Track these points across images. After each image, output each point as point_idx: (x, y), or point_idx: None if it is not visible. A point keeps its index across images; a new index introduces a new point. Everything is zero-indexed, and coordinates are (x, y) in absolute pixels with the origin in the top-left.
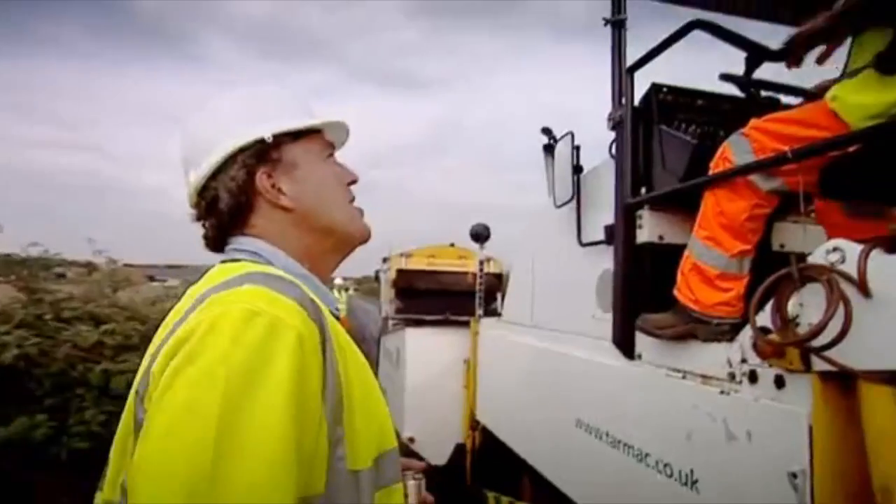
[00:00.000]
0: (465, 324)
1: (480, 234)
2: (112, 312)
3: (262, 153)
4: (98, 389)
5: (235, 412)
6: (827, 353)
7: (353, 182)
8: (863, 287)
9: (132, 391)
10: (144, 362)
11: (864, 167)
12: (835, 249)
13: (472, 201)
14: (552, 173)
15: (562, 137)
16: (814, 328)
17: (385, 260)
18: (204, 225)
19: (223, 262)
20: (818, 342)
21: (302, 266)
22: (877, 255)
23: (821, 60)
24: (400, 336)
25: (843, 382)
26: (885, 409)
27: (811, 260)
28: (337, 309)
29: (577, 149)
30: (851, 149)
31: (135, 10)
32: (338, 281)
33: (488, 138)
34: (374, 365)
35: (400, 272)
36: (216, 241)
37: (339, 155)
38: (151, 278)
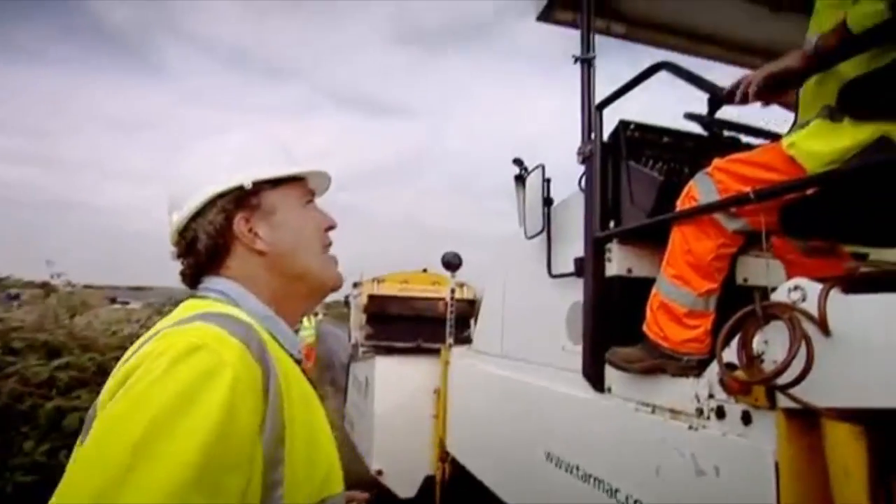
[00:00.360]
0: (437, 352)
1: (451, 263)
2: (67, 341)
3: (241, 199)
4: (48, 426)
5: (156, 433)
6: (791, 391)
7: (331, 228)
8: (823, 326)
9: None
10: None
11: (820, 208)
12: (796, 288)
13: (446, 226)
14: (523, 204)
15: (533, 169)
16: (778, 366)
17: (356, 285)
18: (182, 263)
19: (191, 297)
20: (782, 380)
21: (269, 308)
22: (835, 295)
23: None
24: (370, 364)
25: (807, 420)
26: (847, 446)
27: (774, 298)
28: (299, 352)
29: (547, 181)
30: (809, 191)
31: (100, 17)
32: None
33: (462, 165)
34: (343, 392)
35: (371, 297)
36: (192, 279)
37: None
38: (113, 300)
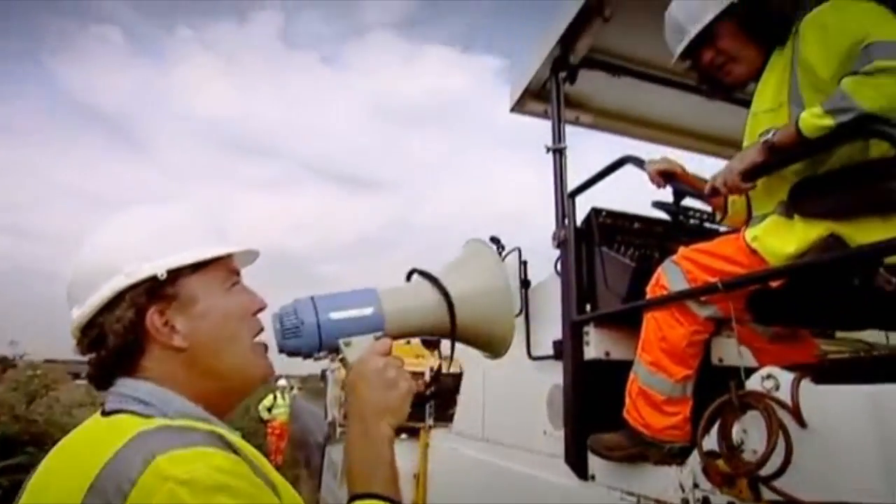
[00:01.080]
0: (417, 432)
1: (430, 341)
2: (21, 433)
3: (154, 290)
4: None
5: None
6: (773, 483)
7: (260, 310)
8: (798, 417)
9: None
10: None
11: (784, 298)
12: (769, 377)
13: None
14: None
15: (509, 252)
16: (758, 458)
17: (334, 358)
18: (89, 362)
19: (104, 413)
20: (764, 471)
21: (198, 407)
22: (806, 385)
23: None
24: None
25: None
26: None
27: (749, 386)
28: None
29: (524, 263)
30: (774, 282)
31: (81, 96)
32: (281, 382)
33: (441, 238)
34: (318, 475)
35: None
36: (101, 381)
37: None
38: (76, 375)
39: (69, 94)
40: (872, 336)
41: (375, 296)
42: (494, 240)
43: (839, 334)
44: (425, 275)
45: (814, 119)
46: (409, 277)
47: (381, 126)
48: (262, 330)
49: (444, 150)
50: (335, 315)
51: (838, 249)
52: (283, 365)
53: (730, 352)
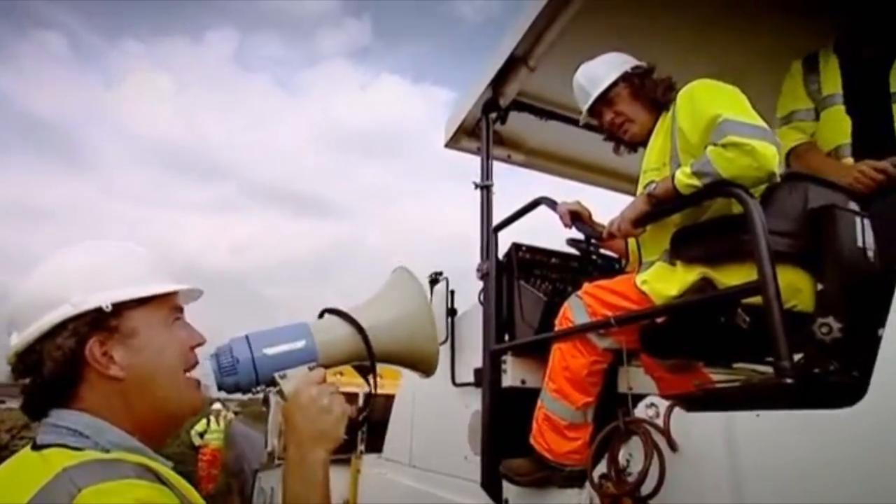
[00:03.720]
0: (348, 461)
1: (363, 367)
2: None
3: (98, 321)
4: None
5: None
6: (650, 502)
7: (198, 345)
8: (669, 440)
9: None
10: None
11: (669, 333)
12: (651, 405)
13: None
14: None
15: (437, 277)
16: (635, 479)
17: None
18: (22, 390)
19: (31, 447)
20: (644, 491)
21: (132, 438)
22: (678, 413)
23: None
24: (277, 474)
25: None
26: None
27: (636, 413)
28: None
29: (451, 293)
30: (660, 320)
31: (14, 101)
32: (215, 406)
33: (384, 262)
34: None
35: None
36: (34, 410)
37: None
38: None
39: (3, 100)
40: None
41: (307, 329)
42: (437, 273)
43: (735, 365)
44: (337, 312)
45: (685, 178)
46: (321, 315)
47: (331, 151)
48: (196, 364)
49: (393, 178)
50: (269, 350)
51: (710, 291)
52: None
53: (640, 381)
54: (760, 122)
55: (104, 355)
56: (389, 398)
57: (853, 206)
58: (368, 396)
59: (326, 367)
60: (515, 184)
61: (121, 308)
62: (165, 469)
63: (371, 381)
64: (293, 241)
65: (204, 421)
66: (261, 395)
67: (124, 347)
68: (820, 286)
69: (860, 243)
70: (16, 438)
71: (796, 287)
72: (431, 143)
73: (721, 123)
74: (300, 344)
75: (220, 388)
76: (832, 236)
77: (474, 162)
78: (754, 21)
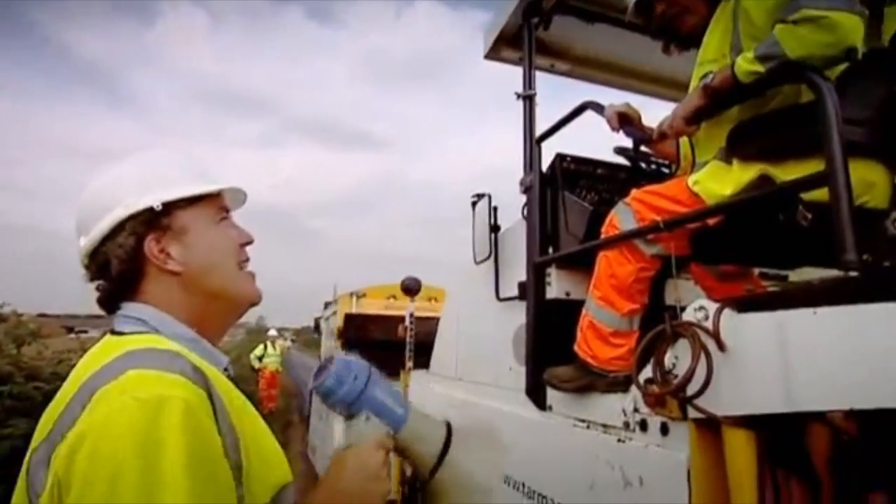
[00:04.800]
0: (397, 374)
1: (411, 288)
2: (12, 370)
3: (151, 220)
4: None
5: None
6: (696, 402)
7: (248, 243)
8: (718, 341)
9: (27, 462)
10: (39, 434)
11: (723, 237)
12: (700, 308)
13: (414, 255)
14: (473, 232)
15: (480, 198)
16: (681, 379)
17: (328, 305)
18: (97, 288)
19: (110, 332)
20: (690, 391)
21: (190, 329)
22: (729, 314)
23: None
24: None
25: (711, 428)
26: (743, 450)
27: (684, 317)
28: (226, 369)
29: (494, 209)
30: (712, 222)
31: (67, 47)
32: (272, 332)
33: (428, 194)
34: (307, 421)
35: (349, 318)
36: (108, 304)
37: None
38: (70, 329)
39: (49, 44)
40: (815, 274)
41: (410, 406)
42: (478, 194)
43: (791, 277)
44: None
45: (746, 64)
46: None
47: (369, 82)
48: (247, 260)
49: (432, 107)
50: (378, 394)
51: (768, 189)
52: (279, 317)
53: (687, 293)
54: None
55: (161, 252)
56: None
57: None
58: (411, 317)
59: (396, 445)
60: (557, 105)
61: (171, 208)
62: (214, 373)
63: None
64: (335, 175)
65: (262, 346)
66: (312, 324)
67: (179, 244)
68: None
69: None
70: None
71: (869, 181)
72: (470, 69)
73: None
74: (400, 411)
75: (316, 389)
76: None
77: (514, 85)
78: None
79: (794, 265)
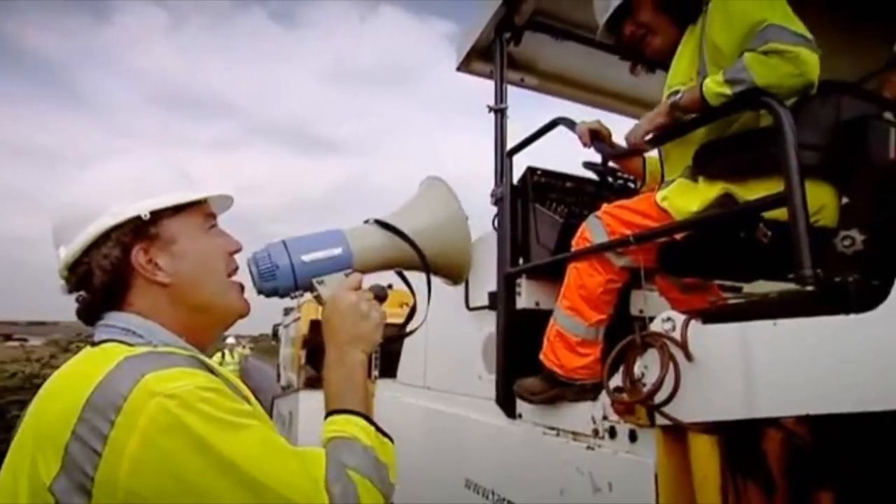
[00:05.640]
0: None
1: (378, 296)
2: None
3: (138, 230)
4: None
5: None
6: (664, 409)
7: (237, 251)
8: (686, 351)
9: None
10: (47, 466)
11: (688, 251)
12: (668, 319)
13: None
14: None
15: None
16: (650, 387)
17: (288, 311)
18: (78, 299)
19: (94, 343)
20: (658, 399)
21: (180, 339)
22: (695, 325)
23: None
24: (293, 399)
25: (678, 434)
26: (707, 455)
27: (652, 328)
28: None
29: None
30: (679, 237)
31: (16, 42)
32: (230, 340)
33: (390, 199)
34: None
35: (315, 325)
36: (89, 316)
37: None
38: (8, 337)
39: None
40: (773, 287)
41: (343, 236)
42: None
43: (749, 290)
44: (380, 222)
45: (715, 86)
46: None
47: (333, 86)
48: (237, 269)
49: (397, 113)
50: (307, 257)
51: (731, 207)
52: (236, 324)
53: (652, 304)
54: (804, 30)
55: (149, 262)
56: (401, 327)
57: (889, 116)
58: (412, 311)
59: (362, 272)
60: (529, 118)
61: (158, 216)
62: (214, 364)
63: (421, 284)
64: (299, 180)
65: (218, 354)
66: (270, 331)
67: (167, 254)
68: (845, 200)
69: (892, 154)
70: (45, 367)
71: (821, 202)
72: (436, 76)
73: (765, 29)
74: (337, 251)
75: (259, 292)
76: (863, 148)
77: (480, 98)
78: None
79: (753, 278)
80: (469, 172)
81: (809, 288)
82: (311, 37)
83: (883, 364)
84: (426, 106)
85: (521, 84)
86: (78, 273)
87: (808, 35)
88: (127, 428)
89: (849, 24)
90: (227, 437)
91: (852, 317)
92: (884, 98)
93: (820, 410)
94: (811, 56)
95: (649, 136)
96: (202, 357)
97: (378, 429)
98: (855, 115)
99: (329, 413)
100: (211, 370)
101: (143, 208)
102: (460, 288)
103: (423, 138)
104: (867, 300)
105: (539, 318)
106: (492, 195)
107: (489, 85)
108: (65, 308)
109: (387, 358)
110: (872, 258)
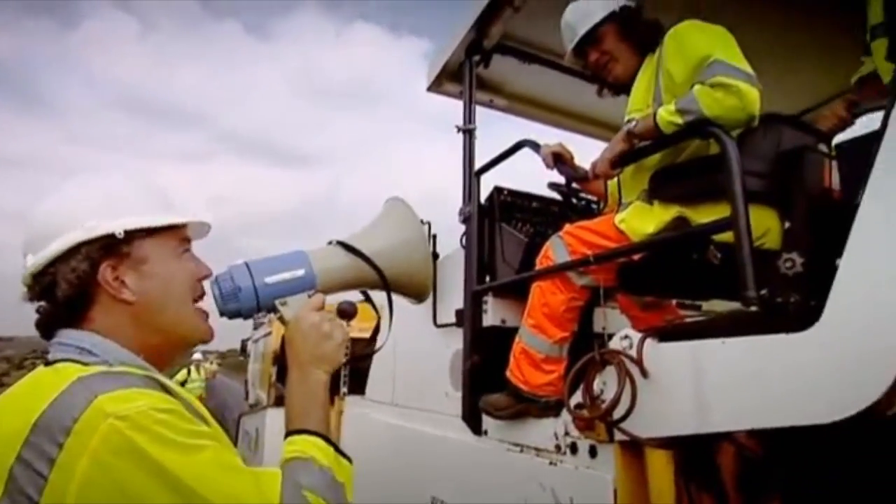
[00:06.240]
0: (331, 401)
1: (347, 311)
2: None
3: (110, 247)
4: None
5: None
6: (622, 425)
7: (206, 277)
8: (642, 368)
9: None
10: None
11: (645, 271)
12: (625, 337)
13: None
14: None
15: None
16: (608, 403)
17: (258, 326)
18: (38, 310)
19: (48, 362)
20: (616, 415)
21: (138, 357)
22: (650, 343)
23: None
24: (260, 416)
25: (636, 449)
26: (664, 469)
27: (610, 346)
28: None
29: (433, 237)
30: (637, 257)
31: None
32: (196, 356)
33: (362, 214)
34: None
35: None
36: (48, 328)
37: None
38: None
39: None
40: (730, 305)
41: (306, 257)
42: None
43: (704, 307)
44: (343, 244)
45: (667, 115)
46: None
47: (307, 100)
48: (204, 294)
49: (370, 128)
50: (270, 279)
51: (685, 229)
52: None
53: (613, 321)
54: (748, 67)
55: (116, 279)
56: (370, 342)
57: (823, 147)
58: (377, 325)
59: (325, 293)
60: (497, 138)
61: (132, 236)
62: (172, 384)
63: (383, 305)
64: (269, 192)
65: (184, 371)
66: (238, 347)
67: (135, 273)
68: (787, 224)
69: (827, 183)
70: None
71: (766, 226)
72: (409, 94)
73: (711, 64)
74: (300, 272)
75: (221, 314)
76: (800, 176)
77: (451, 115)
78: None
79: (708, 297)
80: (442, 189)
81: (753, 308)
82: (287, 50)
83: (819, 380)
84: (400, 122)
85: (489, 105)
86: (42, 283)
87: (751, 71)
88: (77, 449)
89: (790, 62)
90: (180, 458)
91: (792, 335)
92: (819, 131)
93: (766, 424)
94: (751, 91)
95: (615, 164)
96: (159, 377)
97: (336, 449)
98: (794, 145)
99: (289, 433)
100: (168, 390)
101: (118, 227)
102: (428, 305)
103: (397, 153)
104: (805, 319)
105: (505, 336)
106: (460, 213)
107: (460, 104)
108: (20, 323)
109: (356, 375)
110: (810, 279)
